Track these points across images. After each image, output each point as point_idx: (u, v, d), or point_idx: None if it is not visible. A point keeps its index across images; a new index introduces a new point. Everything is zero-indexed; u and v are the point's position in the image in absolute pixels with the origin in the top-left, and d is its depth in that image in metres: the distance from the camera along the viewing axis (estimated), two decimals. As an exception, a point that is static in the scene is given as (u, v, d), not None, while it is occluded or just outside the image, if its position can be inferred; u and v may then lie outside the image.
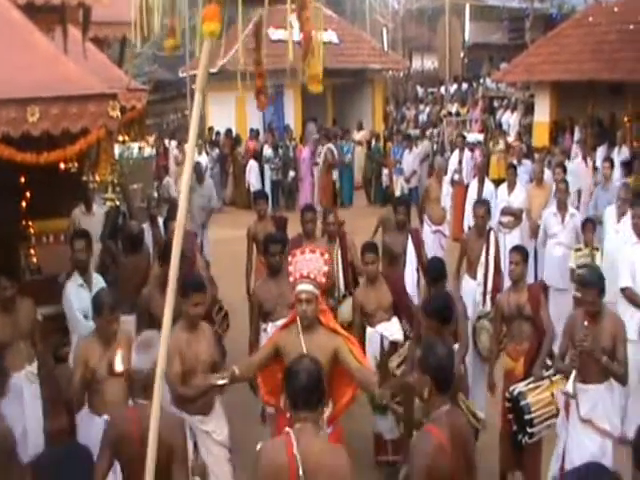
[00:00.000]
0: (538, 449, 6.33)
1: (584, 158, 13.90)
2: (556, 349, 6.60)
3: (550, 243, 9.67)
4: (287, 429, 3.75)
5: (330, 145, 18.93)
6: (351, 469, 3.64)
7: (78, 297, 6.69)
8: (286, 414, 5.09)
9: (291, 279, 5.27)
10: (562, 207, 9.65)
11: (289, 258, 5.44)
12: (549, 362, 6.39)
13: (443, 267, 6.78)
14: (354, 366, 5.03)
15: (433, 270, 6.75)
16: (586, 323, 5.81)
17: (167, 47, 4.22)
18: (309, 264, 5.20)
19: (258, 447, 3.75)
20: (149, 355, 3.68)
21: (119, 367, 5.37)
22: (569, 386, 5.88)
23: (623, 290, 7.39)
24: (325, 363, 4.98)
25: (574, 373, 5.86)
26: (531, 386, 6.17)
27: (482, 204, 8.67)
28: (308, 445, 3.62)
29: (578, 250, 8.81)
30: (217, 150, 20.37)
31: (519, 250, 6.81)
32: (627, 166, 12.64)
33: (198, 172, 12.13)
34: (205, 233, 11.85)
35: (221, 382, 5.06)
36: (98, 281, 6.94)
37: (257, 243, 8.99)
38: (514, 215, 10.89)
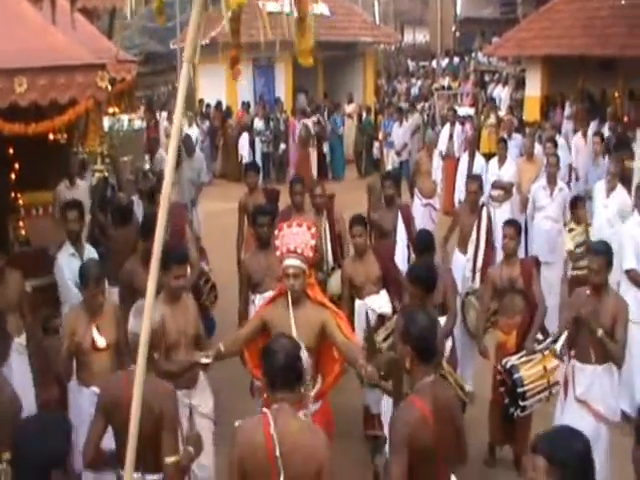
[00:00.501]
0: (528, 423, 6.34)
1: (584, 135, 13.81)
2: (547, 323, 6.61)
3: (538, 217, 9.64)
4: (264, 409, 3.69)
5: (305, 120, 18.83)
6: (329, 451, 3.59)
7: (70, 266, 6.64)
8: None
9: (278, 253, 5.21)
10: (552, 181, 9.61)
11: (276, 232, 5.37)
12: (541, 336, 6.38)
13: (431, 239, 6.75)
14: (341, 341, 5.00)
15: (421, 242, 6.71)
16: (588, 292, 5.79)
17: (155, 8, 4.12)
18: (296, 238, 5.14)
19: (236, 424, 3.70)
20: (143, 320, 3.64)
21: (101, 343, 5.35)
22: (558, 346, 5.89)
23: (628, 272, 7.32)
24: (313, 338, 4.99)
25: (565, 335, 5.85)
26: (523, 359, 6.16)
27: (475, 179, 8.61)
28: (285, 426, 3.56)
29: (571, 230, 8.76)
30: (207, 123, 20.26)
31: (513, 224, 6.78)
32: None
33: (188, 145, 11.98)
34: (195, 210, 11.58)
35: (205, 361, 5.01)
36: (90, 251, 6.90)
37: (248, 215, 8.92)
38: (504, 189, 10.87)
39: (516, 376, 6.07)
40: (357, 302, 6.96)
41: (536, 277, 6.65)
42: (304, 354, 3.79)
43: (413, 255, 7.79)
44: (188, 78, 3.39)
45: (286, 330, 4.86)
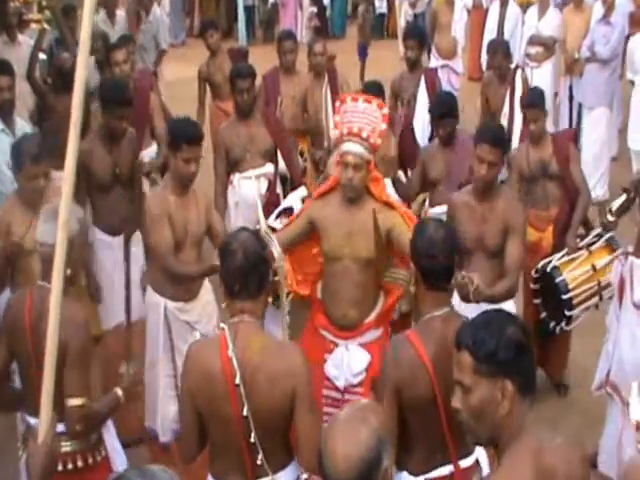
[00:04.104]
0: (567, 341, 6.19)
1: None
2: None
3: None
4: (221, 324, 3.42)
5: None
6: (306, 371, 3.34)
7: (-1, 145, 6.23)
8: (322, 307, 4.92)
9: (336, 133, 4.82)
10: None
11: (336, 104, 4.95)
12: (583, 231, 6.11)
13: (453, 102, 6.41)
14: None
15: (440, 104, 6.33)
16: None
17: None
18: (361, 118, 4.68)
19: (196, 336, 3.46)
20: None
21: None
22: (614, 205, 5.67)
23: None
24: (374, 247, 4.61)
25: (624, 197, 5.57)
26: (565, 259, 5.85)
27: (498, 46, 8.16)
28: (247, 344, 3.27)
29: None
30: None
31: (536, 103, 6.29)
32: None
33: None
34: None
35: None
36: (23, 127, 6.48)
37: (212, 85, 8.87)
38: (545, 45, 10.45)
39: (559, 279, 5.76)
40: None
41: (575, 156, 6.28)
42: (277, 252, 3.45)
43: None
44: None
45: (340, 236, 4.66)
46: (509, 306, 4.99)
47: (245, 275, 3.33)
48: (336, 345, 4.81)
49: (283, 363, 3.30)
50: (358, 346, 4.70)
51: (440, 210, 6.19)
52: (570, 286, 5.75)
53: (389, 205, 4.77)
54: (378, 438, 2.36)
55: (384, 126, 4.73)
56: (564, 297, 5.74)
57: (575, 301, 5.77)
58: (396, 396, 3.47)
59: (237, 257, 3.33)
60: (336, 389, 4.79)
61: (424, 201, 6.46)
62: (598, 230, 5.98)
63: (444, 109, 6.26)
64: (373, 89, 6.65)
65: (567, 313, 5.77)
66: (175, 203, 4.98)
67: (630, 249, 5.52)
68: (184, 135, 4.88)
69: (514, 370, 2.47)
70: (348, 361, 4.73)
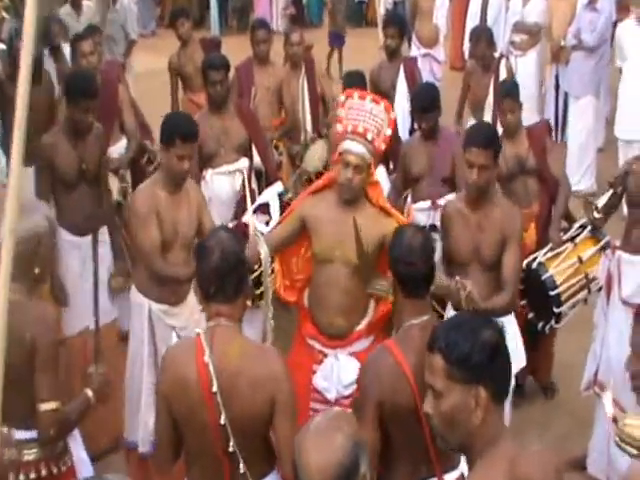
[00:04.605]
0: (552, 344, 6.17)
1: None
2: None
3: (628, 73, 9.06)
4: (197, 329, 3.36)
5: None
6: (286, 378, 3.31)
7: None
8: (310, 315, 4.86)
9: (339, 128, 4.72)
10: None
11: (341, 98, 4.87)
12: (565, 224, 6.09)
13: (436, 94, 6.34)
14: None
15: (422, 97, 6.27)
16: None
17: None
18: (368, 118, 4.63)
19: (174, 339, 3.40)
20: (24, 222, 3.16)
21: None
22: (600, 201, 5.69)
23: None
24: (369, 250, 4.53)
25: (610, 193, 5.59)
26: (549, 255, 5.80)
27: (482, 33, 8.19)
28: (224, 350, 3.24)
29: None
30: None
31: (512, 93, 6.26)
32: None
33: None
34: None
35: None
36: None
37: (183, 77, 8.93)
38: (529, 33, 10.43)
39: (545, 276, 5.69)
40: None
41: (552, 148, 6.26)
42: (264, 252, 3.37)
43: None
44: None
45: (331, 237, 4.62)
46: (509, 320, 4.96)
47: (222, 277, 3.29)
48: (325, 355, 4.74)
49: (264, 368, 3.27)
50: (348, 356, 4.63)
51: (423, 205, 6.18)
52: (558, 282, 5.70)
53: (385, 211, 4.72)
54: (354, 442, 2.33)
55: (389, 132, 4.67)
56: (552, 293, 5.68)
57: (564, 297, 5.72)
58: (378, 410, 3.41)
59: (213, 258, 3.29)
60: (326, 401, 4.71)
61: (406, 197, 6.43)
62: (582, 221, 5.97)
63: (426, 103, 6.20)
64: (355, 79, 6.65)
65: (556, 310, 5.72)
66: (165, 200, 4.89)
67: (617, 243, 5.54)
68: (178, 130, 4.79)
69: (487, 375, 2.43)
70: (338, 372, 4.66)
